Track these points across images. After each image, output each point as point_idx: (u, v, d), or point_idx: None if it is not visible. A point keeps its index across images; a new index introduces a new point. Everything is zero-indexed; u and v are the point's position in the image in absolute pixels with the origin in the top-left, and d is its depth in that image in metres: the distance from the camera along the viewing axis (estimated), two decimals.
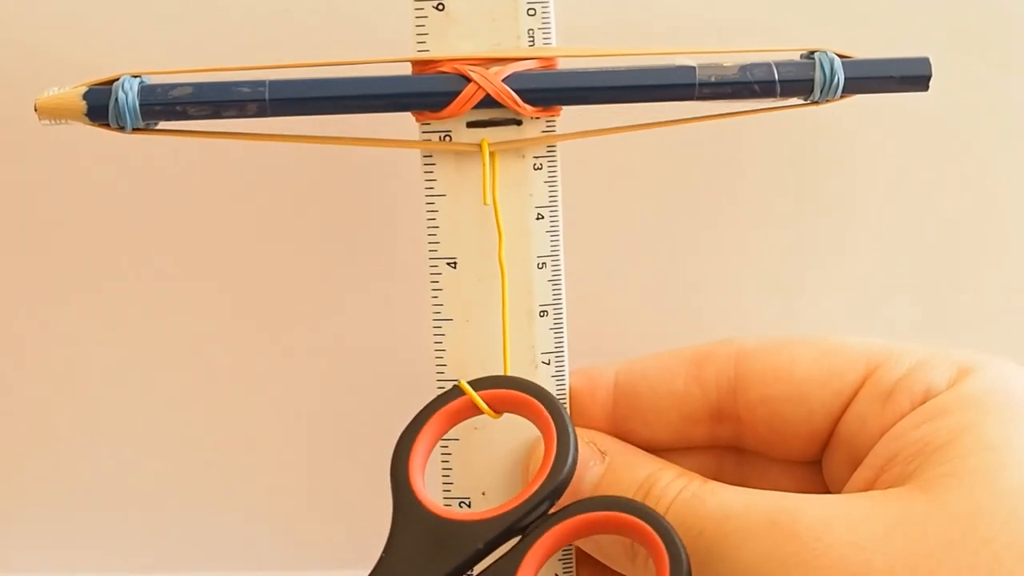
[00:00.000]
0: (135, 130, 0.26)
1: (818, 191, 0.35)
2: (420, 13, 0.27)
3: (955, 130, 0.35)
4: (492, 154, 0.27)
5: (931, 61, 0.27)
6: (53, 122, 0.27)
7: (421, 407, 0.26)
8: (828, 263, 0.36)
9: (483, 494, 0.29)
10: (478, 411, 0.26)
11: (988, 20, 0.33)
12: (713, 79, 0.26)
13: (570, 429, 0.25)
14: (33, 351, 0.37)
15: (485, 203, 0.27)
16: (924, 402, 0.25)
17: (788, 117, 0.27)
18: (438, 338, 0.28)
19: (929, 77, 0.27)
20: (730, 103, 0.27)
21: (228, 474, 0.38)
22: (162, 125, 0.27)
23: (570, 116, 0.27)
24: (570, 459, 0.24)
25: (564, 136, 0.27)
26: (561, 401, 0.29)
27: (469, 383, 0.26)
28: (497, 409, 0.26)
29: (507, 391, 0.26)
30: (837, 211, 0.36)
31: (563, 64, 0.27)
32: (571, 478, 0.24)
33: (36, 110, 0.26)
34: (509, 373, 0.27)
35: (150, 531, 0.39)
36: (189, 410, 0.38)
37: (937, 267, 0.36)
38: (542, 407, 0.25)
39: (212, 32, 0.33)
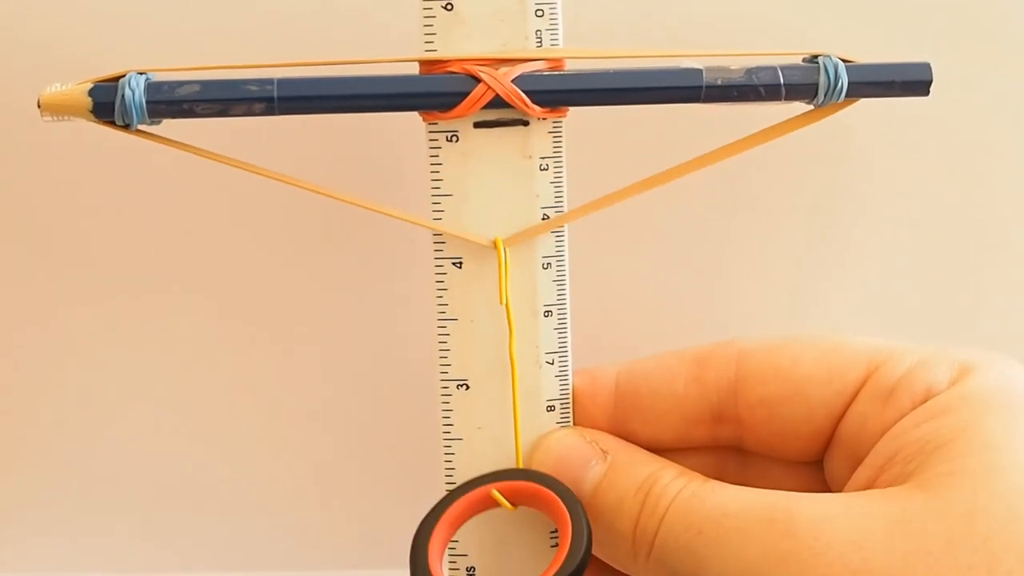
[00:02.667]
0: (136, 131, 0.26)
1: (824, 192, 0.36)
2: (428, 13, 0.27)
3: (962, 133, 0.35)
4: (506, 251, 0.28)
5: (932, 66, 0.27)
6: (55, 118, 0.26)
7: (442, 496, 0.27)
8: (832, 264, 0.37)
9: None
10: (494, 503, 0.27)
11: (994, 21, 0.34)
12: (719, 82, 0.26)
13: (584, 522, 0.26)
14: (34, 351, 0.37)
15: (501, 303, 0.28)
16: (925, 401, 0.25)
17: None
18: (443, 337, 0.28)
19: (930, 82, 0.27)
20: (734, 105, 0.27)
21: (229, 474, 0.38)
22: (159, 131, 0.27)
23: (576, 117, 0.28)
24: (583, 553, 0.25)
25: (575, 213, 0.28)
26: (564, 403, 0.29)
27: (489, 474, 0.27)
28: (514, 502, 0.27)
29: (525, 483, 0.27)
30: (843, 212, 0.36)
31: (570, 65, 0.27)
32: (584, 570, 0.25)
33: (39, 106, 0.26)
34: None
35: (150, 531, 0.38)
36: (190, 410, 0.37)
37: (941, 267, 0.37)
38: (558, 499, 0.26)
39: (217, 30, 0.33)
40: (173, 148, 0.27)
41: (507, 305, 0.28)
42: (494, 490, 0.27)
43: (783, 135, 0.27)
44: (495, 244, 0.28)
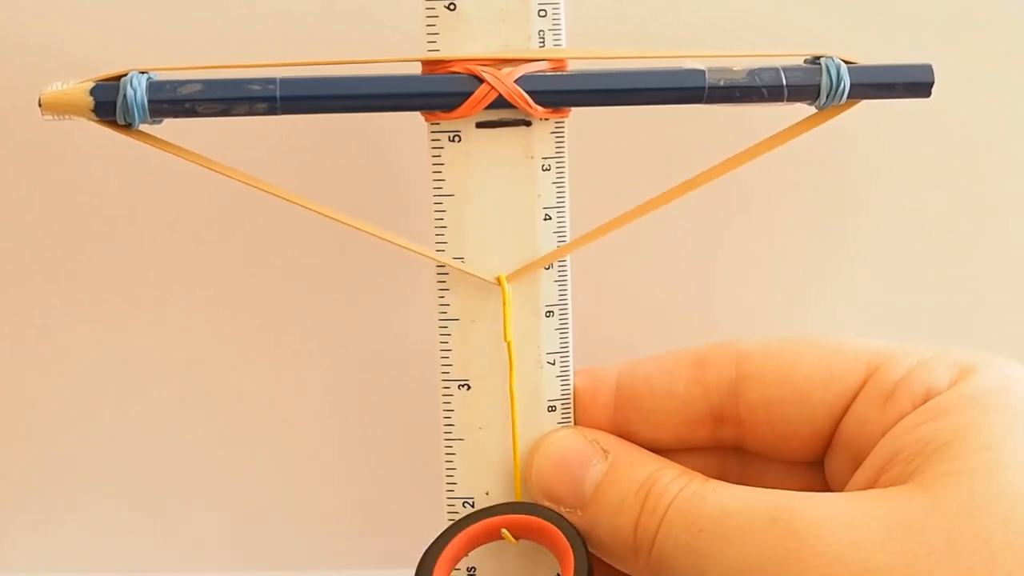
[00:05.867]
0: (136, 132, 0.26)
1: (824, 193, 0.36)
2: (431, 12, 0.27)
3: (963, 134, 0.35)
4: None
5: (934, 68, 0.27)
6: (56, 118, 0.26)
7: (446, 526, 0.28)
8: (833, 265, 0.37)
9: (487, 494, 0.29)
10: (499, 535, 0.27)
11: (995, 21, 0.34)
12: (722, 83, 0.26)
13: (587, 562, 0.26)
14: (34, 352, 0.36)
15: (505, 339, 0.28)
16: (925, 402, 0.26)
17: (795, 120, 0.28)
18: (444, 337, 0.28)
19: (932, 84, 0.27)
20: (737, 106, 0.27)
21: (229, 474, 0.38)
22: (159, 132, 0.27)
23: (578, 117, 0.28)
24: None
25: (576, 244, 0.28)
26: (565, 403, 0.29)
27: (494, 507, 0.28)
28: (517, 535, 0.27)
29: (529, 518, 0.27)
30: (843, 213, 0.36)
31: (572, 65, 0.27)
32: None
33: (40, 105, 0.26)
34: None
35: (150, 531, 0.38)
36: (192, 411, 0.37)
37: (941, 267, 0.37)
38: (562, 535, 0.26)
39: (219, 30, 0.33)
40: (172, 154, 0.27)
41: (509, 344, 0.28)
42: (504, 529, 0.27)
43: (787, 141, 0.27)
44: (499, 281, 0.28)
